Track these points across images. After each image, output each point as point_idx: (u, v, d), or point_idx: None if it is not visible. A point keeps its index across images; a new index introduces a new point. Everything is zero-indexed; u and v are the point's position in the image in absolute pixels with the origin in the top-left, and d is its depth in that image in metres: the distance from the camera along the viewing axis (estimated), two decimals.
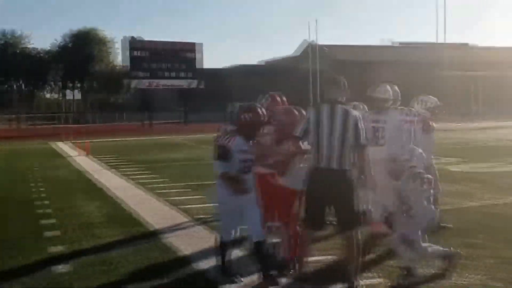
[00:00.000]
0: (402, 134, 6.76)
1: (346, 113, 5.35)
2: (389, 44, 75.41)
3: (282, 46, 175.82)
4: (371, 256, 6.39)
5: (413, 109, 7.49)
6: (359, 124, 5.36)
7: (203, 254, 6.78)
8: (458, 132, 28.79)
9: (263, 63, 77.83)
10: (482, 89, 58.34)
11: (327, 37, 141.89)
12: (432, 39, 67.24)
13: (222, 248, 5.84)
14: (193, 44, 54.72)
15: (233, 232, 5.82)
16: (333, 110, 5.35)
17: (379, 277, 5.80)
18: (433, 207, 5.84)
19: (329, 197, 5.37)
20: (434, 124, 7.95)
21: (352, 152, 5.39)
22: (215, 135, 6.38)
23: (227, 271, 5.82)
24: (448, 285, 5.47)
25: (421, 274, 5.73)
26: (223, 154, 5.53)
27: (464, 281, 5.59)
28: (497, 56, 62.46)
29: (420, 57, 60.95)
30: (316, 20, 73.64)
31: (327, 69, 53.82)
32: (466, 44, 74.82)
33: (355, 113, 5.47)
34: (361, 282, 5.44)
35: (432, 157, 7.80)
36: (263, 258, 5.52)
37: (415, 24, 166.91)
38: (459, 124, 35.51)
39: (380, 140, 6.70)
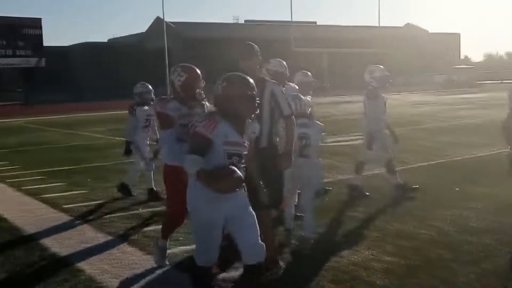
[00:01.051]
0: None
1: None
2: (240, 21, 76.31)
3: (129, 23, 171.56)
4: None
5: None
6: None
7: (72, 247, 6.15)
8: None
9: (109, 41, 75.10)
10: (331, 65, 61.20)
11: (176, 14, 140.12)
12: (285, 18, 69.11)
13: (201, 276, 4.26)
14: (33, 19, 51.06)
15: (215, 253, 4.20)
16: None
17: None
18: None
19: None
20: (382, 93, 8.23)
21: None
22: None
23: None
24: (346, 263, 5.36)
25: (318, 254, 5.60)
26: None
27: (358, 256, 5.52)
28: (343, 34, 65.88)
29: (271, 34, 62.37)
30: None
31: (177, 46, 53.23)
32: (314, 23, 77.99)
33: None
34: None
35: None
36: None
37: (268, 3, 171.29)
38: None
39: None
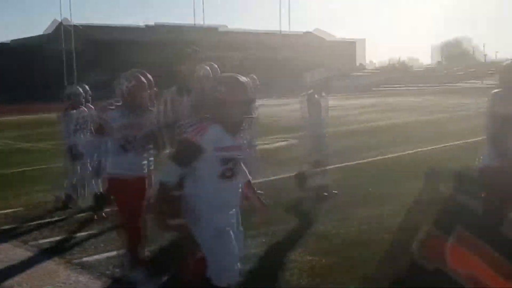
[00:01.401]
0: None
1: None
2: (146, 24, 75.20)
3: (31, 25, 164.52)
4: None
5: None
6: None
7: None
8: None
9: (8, 42, 71.76)
10: (233, 69, 61.57)
11: (82, 16, 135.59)
12: (191, 21, 68.68)
13: None
14: None
15: (236, 267, 3.73)
16: None
17: None
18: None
19: None
20: (324, 94, 8.32)
21: None
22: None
23: None
24: (268, 264, 5.45)
25: None
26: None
27: (280, 257, 5.61)
28: (251, 38, 66.80)
29: (181, 38, 61.93)
30: None
31: (84, 48, 51.89)
32: (225, 26, 78.10)
33: None
34: None
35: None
36: None
37: (178, 7, 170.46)
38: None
39: None
